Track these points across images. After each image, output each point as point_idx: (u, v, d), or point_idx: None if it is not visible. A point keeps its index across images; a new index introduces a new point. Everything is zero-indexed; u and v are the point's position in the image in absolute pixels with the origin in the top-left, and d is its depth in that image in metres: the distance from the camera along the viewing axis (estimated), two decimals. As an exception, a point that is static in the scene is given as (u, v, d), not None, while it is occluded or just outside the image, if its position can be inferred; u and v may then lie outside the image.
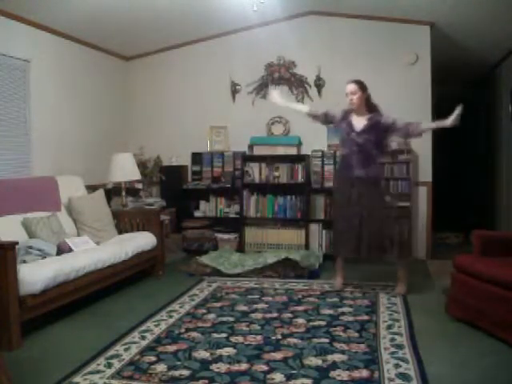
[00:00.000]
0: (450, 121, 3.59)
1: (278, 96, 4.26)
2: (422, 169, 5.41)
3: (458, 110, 3.60)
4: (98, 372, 2.52)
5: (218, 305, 3.70)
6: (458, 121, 3.58)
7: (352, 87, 3.90)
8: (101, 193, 4.65)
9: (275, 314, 3.45)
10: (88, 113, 5.37)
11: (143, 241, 4.35)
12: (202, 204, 5.86)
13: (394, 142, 5.36)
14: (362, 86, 3.91)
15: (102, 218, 4.42)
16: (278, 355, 2.71)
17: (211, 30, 5.70)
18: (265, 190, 5.60)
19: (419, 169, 5.42)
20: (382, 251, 3.85)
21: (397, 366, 2.54)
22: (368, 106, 3.95)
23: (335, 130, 5.55)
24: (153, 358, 2.69)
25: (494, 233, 4.58)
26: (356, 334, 3.03)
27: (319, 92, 5.64)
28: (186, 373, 2.49)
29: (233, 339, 2.96)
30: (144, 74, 6.19)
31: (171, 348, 2.84)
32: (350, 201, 3.88)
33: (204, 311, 3.55)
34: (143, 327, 3.21)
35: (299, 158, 5.51)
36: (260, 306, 3.67)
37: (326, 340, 2.93)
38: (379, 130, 3.88)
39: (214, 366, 2.56)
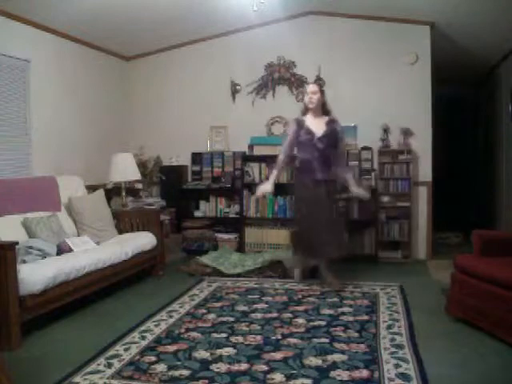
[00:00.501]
0: (360, 193, 4.26)
1: (264, 188, 4.31)
2: (422, 169, 5.41)
3: (365, 194, 4.29)
4: (98, 372, 2.52)
5: (218, 305, 3.70)
6: (364, 196, 4.28)
7: (315, 87, 4.16)
8: (101, 193, 4.65)
9: (275, 314, 3.45)
10: (88, 113, 5.37)
11: (143, 241, 4.35)
12: (202, 204, 5.86)
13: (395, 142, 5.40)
14: (321, 88, 4.21)
15: (102, 218, 4.42)
16: (278, 355, 2.70)
17: (211, 30, 5.71)
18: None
19: (419, 169, 5.42)
20: (340, 249, 4.02)
21: (397, 365, 2.54)
22: (324, 109, 4.17)
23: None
24: (153, 358, 2.69)
25: (493, 233, 4.58)
26: (356, 334, 3.03)
27: (319, 92, 5.63)
28: (185, 373, 2.49)
29: (233, 339, 2.96)
30: (144, 74, 6.19)
31: (171, 348, 2.84)
32: (317, 201, 3.99)
33: (204, 311, 3.55)
34: (143, 327, 3.21)
35: (299, 158, 5.50)
36: (260, 306, 3.67)
37: (326, 340, 2.93)
38: (334, 137, 4.13)
39: (213, 366, 2.56)
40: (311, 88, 4.16)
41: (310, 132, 4.06)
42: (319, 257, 4.14)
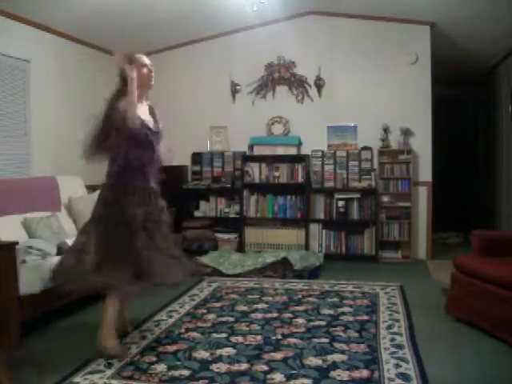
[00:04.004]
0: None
1: None
2: (422, 169, 5.41)
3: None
4: (98, 372, 2.52)
5: (218, 305, 3.70)
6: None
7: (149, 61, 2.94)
8: (101, 193, 4.64)
9: (275, 314, 3.45)
10: (88, 113, 5.34)
11: (143, 241, 4.34)
12: (202, 204, 5.86)
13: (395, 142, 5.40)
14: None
15: (102, 218, 4.41)
16: (278, 355, 2.70)
17: (211, 30, 5.71)
18: (265, 190, 5.60)
19: (419, 169, 5.42)
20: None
21: (397, 365, 2.54)
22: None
23: (335, 130, 5.59)
24: (153, 358, 2.68)
25: (493, 233, 4.57)
26: (356, 334, 3.03)
27: (319, 92, 5.64)
28: (186, 373, 2.49)
29: (233, 339, 2.96)
30: (144, 74, 6.18)
31: (171, 348, 2.83)
32: (151, 217, 2.90)
33: (204, 311, 3.55)
34: (143, 327, 3.21)
35: (299, 158, 5.51)
36: (260, 306, 3.67)
37: (326, 340, 2.93)
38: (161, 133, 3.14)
39: (213, 366, 2.56)
40: (147, 60, 2.92)
41: (143, 121, 2.87)
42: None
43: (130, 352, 2.76)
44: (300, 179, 5.47)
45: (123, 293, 2.76)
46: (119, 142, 2.84)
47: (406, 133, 5.33)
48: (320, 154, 5.57)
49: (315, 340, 2.93)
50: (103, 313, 2.74)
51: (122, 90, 2.83)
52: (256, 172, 5.63)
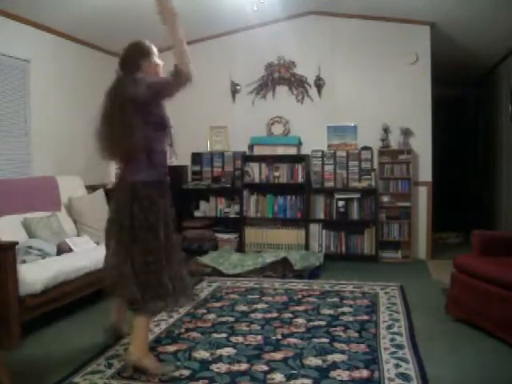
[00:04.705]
0: None
1: None
2: (422, 169, 5.41)
3: None
4: (98, 372, 2.52)
5: (218, 305, 3.70)
6: None
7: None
8: (101, 193, 4.64)
9: (275, 314, 3.45)
10: (88, 113, 5.34)
11: (143, 241, 4.34)
12: (202, 204, 5.86)
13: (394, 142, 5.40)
14: None
15: (102, 218, 4.38)
16: (278, 355, 2.70)
17: (211, 30, 5.71)
18: (265, 190, 5.60)
19: (419, 169, 5.42)
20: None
21: (397, 365, 2.54)
22: None
23: (335, 130, 5.60)
24: (153, 358, 2.69)
25: (493, 233, 4.58)
26: (356, 334, 3.03)
27: (319, 92, 5.64)
28: (186, 373, 2.49)
29: (233, 339, 2.96)
30: (144, 74, 6.18)
31: (171, 348, 2.83)
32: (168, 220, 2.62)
33: (204, 311, 3.55)
34: (143, 327, 3.21)
35: (299, 158, 5.51)
36: (260, 306, 3.67)
37: (326, 340, 2.93)
38: None
39: (213, 366, 2.56)
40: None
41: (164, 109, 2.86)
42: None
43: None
44: (300, 179, 5.47)
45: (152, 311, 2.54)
46: (147, 131, 2.59)
47: (406, 133, 5.33)
48: (320, 153, 5.57)
49: (315, 340, 2.93)
50: (135, 331, 2.49)
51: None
52: (256, 172, 5.63)
